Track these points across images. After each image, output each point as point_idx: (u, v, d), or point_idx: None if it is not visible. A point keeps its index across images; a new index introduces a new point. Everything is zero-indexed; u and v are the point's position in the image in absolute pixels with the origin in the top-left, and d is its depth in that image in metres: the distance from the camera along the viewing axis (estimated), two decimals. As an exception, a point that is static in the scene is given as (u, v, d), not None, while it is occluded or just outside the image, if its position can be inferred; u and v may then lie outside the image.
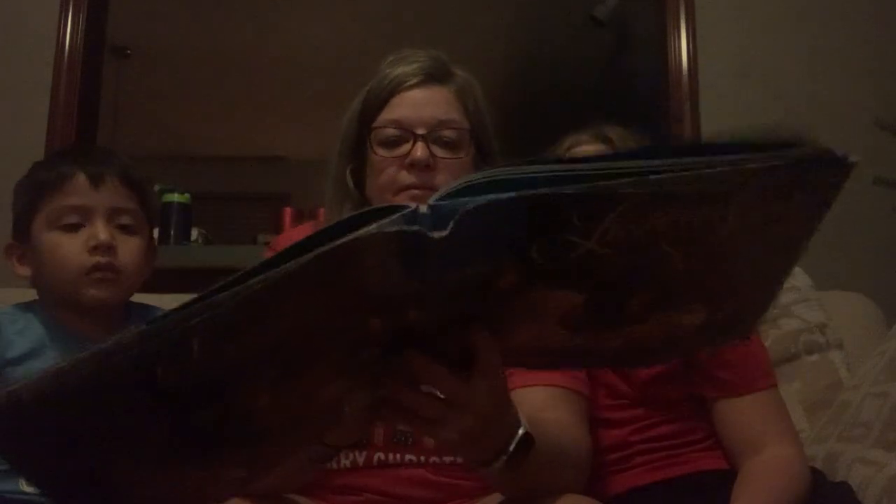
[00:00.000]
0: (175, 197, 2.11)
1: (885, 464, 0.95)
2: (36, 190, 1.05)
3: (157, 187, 2.10)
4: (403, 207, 0.46)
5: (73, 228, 1.01)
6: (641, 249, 0.50)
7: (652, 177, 0.45)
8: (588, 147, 1.09)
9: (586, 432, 0.89)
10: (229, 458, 0.53)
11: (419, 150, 0.96)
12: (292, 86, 4.12)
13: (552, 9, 3.41)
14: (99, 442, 0.47)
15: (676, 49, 2.05)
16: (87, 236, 1.00)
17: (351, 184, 1.03)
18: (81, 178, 1.02)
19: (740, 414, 0.97)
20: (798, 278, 1.41)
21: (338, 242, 0.43)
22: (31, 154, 1.90)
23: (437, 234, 0.45)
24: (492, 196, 0.45)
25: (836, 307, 1.41)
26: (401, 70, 1.00)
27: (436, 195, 0.47)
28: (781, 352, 1.31)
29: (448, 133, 0.98)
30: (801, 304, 1.37)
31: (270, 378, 0.49)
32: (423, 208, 0.46)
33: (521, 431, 0.68)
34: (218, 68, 4.01)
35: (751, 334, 0.65)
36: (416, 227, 0.44)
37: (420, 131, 0.97)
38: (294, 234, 1.15)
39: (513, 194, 0.45)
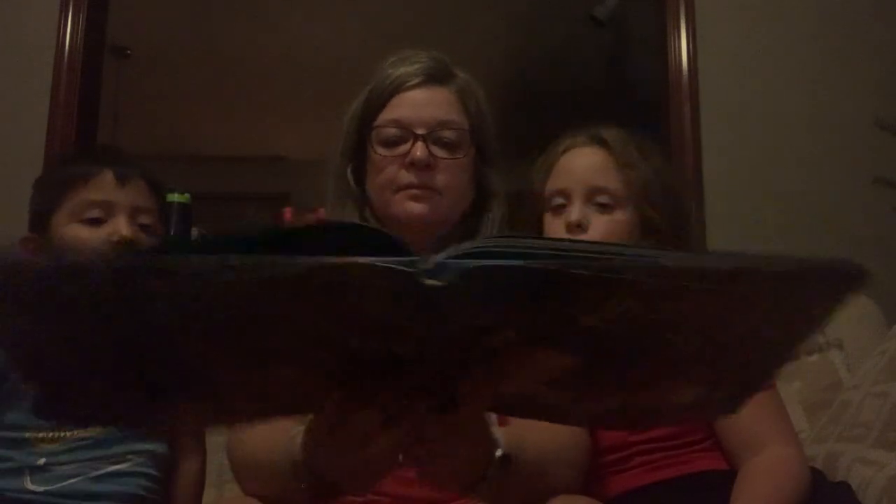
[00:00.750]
0: (175, 197, 2.11)
1: (885, 464, 0.95)
2: (61, 184, 1.07)
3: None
4: (404, 248, 0.46)
5: (96, 223, 1.04)
6: (644, 331, 0.49)
7: (662, 265, 0.45)
8: (584, 149, 1.08)
9: (584, 430, 0.89)
10: (176, 405, 0.55)
11: (419, 150, 0.96)
12: (292, 86, 4.12)
13: (552, 9, 3.41)
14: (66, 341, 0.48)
15: (676, 49, 2.05)
16: (110, 231, 1.03)
17: (352, 182, 1.04)
18: (108, 176, 1.06)
19: (739, 415, 0.97)
20: (798, 278, 1.41)
21: (327, 261, 0.43)
22: (31, 154, 1.91)
23: (430, 283, 0.44)
24: (496, 261, 0.45)
25: (836, 307, 1.41)
26: (402, 70, 1.01)
27: (444, 252, 0.47)
28: (781, 352, 1.31)
29: (448, 134, 0.98)
30: (801, 304, 1.37)
31: (236, 358, 0.50)
32: (428, 264, 0.46)
33: (498, 453, 0.68)
34: (218, 68, 4.01)
35: (741, 408, 0.65)
36: (411, 270, 0.44)
37: (420, 131, 0.97)
38: None
39: (519, 262, 0.45)
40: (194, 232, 2.41)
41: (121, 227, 1.03)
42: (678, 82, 2.03)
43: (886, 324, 1.40)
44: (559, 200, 1.05)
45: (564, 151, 1.09)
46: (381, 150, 0.99)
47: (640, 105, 2.38)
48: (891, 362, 1.10)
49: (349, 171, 1.04)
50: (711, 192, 1.97)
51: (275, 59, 3.92)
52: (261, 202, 4.94)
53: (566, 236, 1.02)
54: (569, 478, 0.83)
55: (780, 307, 0.50)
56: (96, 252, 0.43)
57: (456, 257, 0.46)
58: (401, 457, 0.62)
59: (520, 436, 0.74)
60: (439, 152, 0.97)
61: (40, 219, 1.07)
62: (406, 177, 0.97)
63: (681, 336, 0.50)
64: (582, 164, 1.07)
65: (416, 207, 0.97)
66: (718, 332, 0.51)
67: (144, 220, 1.07)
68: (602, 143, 1.07)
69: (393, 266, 0.44)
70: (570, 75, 3.92)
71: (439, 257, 0.46)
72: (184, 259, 0.43)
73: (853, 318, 1.41)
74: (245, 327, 0.47)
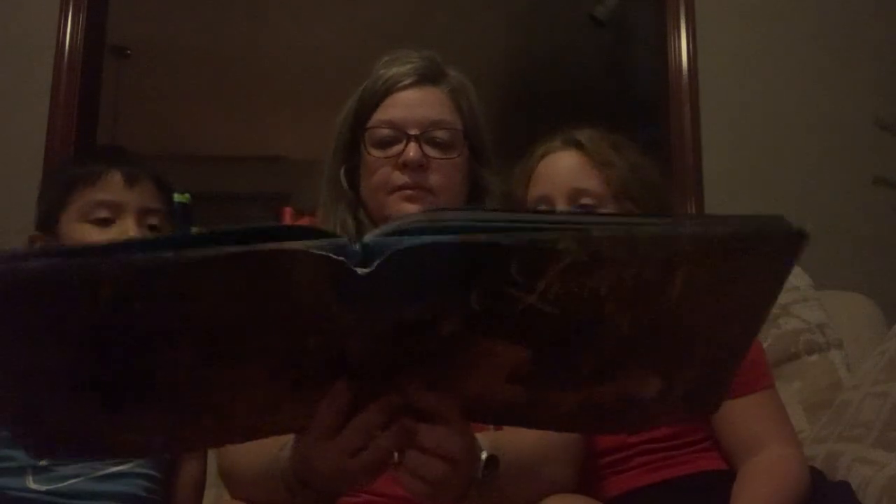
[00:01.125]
0: (175, 197, 2.11)
1: (885, 463, 0.95)
2: (69, 183, 1.07)
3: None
4: (338, 237, 0.46)
5: (104, 223, 1.04)
6: (586, 310, 0.49)
7: (589, 232, 0.45)
8: (560, 153, 1.09)
9: None
10: (130, 416, 0.53)
11: (412, 151, 0.96)
12: (292, 86, 4.12)
13: (552, 9, 3.41)
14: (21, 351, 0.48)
15: (676, 49, 2.05)
16: (118, 232, 1.03)
17: (345, 184, 1.04)
18: (117, 176, 1.06)
19: (738, 415, 0.97)
20: (798, 278, 1.41)
21: (258, 247, 0.43)
22: (31, 154, 1.91)
23: (361, 271, 0.44)
24: (424, 238, 0.45)
25: (836, 307, 1.41)
26: (394, 71, 1.01)
27: (373, 232, 0.47)
28: (781, 352, 1.31)
29: (441, 133, 0.98)
30: (801, 304, 1.37)
31: (191, 356, 0.49)
32: (356, 245, 0.46)
33: (483, 456, 0.68)
34: (218, 68, 4.01)
35: (716, 410, 0.63)
36: (342, 258, 0.44)
37: (413, 132, 0.97)
38: None
39: (445, 238, 0.45)
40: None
41: (129, 228, 1.03)
42: (678, 82, 2.03)
43: (886, 324, 1.40)
44: (543, 206, 1.06)
45: (542, 157, 1.11)
46: (374, 152, 0.99)
47: (640, 105, 2.38)
48: (891, 362, 1.10)
49: (342, 172, 1.04)
50: (711, 192, 1.97)
51: (275, 59, 3.91)
52: (261, 202, 4.94)
53: None
54: (564, 476, 0.83)
55: (716, 277, 0.49)
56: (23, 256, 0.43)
57: (383, 235, 0.46)
58: (394, 466, 0.62)
59: (498, 437, 0.74)
60: (432, 152, 0.97)
61: (48, 218, 1.07)
62: (399, 177, 0.97)
63: (624, 317, 0.50)
64: (561, 167, 1.08)
65: (411, 209, 0.97)
66: (661, 311, 0.50)
67: (153, 220, 1.07)
68: (577, 145, 1.08)
69: (322, 252, 0.44)
70: (570, 75, 3.92)
71: (367, 237, 0.46)
72: (93, 262, 0.43)
73: (853, 318, 1.42)
74: (189, 318, 0.47)
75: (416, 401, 0.57)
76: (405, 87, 1.00)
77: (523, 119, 3.92)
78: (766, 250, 0.49)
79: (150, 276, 0.44)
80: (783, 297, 1.37)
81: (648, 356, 0.54)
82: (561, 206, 1.05)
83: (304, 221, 1.10)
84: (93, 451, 0.59)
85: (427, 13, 3.46)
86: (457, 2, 3.43)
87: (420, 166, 0.96)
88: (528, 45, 3.78)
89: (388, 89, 1.00)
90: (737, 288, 0.51)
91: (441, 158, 0.98)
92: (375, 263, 0.44)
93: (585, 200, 1.04)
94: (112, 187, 1.05)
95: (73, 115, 1.98)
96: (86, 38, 2.03)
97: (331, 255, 0.44)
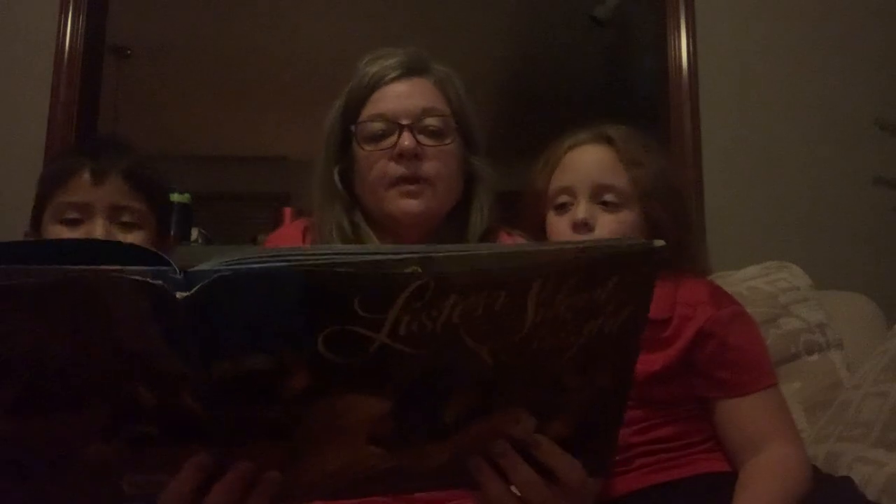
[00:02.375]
0: (175, 197, 2.11)
1: (885, 463, 0.95)
2: (44, 184, 1.07)
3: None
4: (165, 266, 0.43)
5: (74, 223, 1.03)
6: (443, 345, 0.47)
7: (431, 255, 0.43)
8: (589, 147, 1.07)
9: None
10: None
11: (406, 140, 0.96)
12: (293, 85, 4.12)
13: (552, 9, 3.41)
14: None
15: (676, 49, 2.05)
16: (85, 232, 1.02)
17: (339, 185, 1.03)
18: (84, 176, 1.04)
19: (741, 414, 0.97)
20: (798, 278, 1.41)
21: (70, 269, 0.40)
22: (31, 154, 1.91)
23: (180, 295, 0.41)
24: (251, 264, 0.41)
25: (836, 307, 1.41)
26: (380, 65, 1.02)
27: (204, 263, 0.43)
28: (781, 352, 1.31)
29: (432, 121, 0.98)
30: (801, 304, 1.37)
31: (8, 398, 0.45)
32: (180, 274, 0.42)
33: None
34: (218, 68, 4.01)
35: (607, 470, 0.61)
36: (159, 282, 0.41)
37: (405, 121, 0.97)
38: (288, 231, 1.15)
39: (274, 265, 0.41)
40: (194, 232, 2.41)
41: (97, 226, 1.02)
42: (678, 82, 2.03)
43: (886, 324, 1.40)
44: (564, 198, 1.04)
45: (569, 149, 1.08)
46: (367, 147, 0.99)
47: (640, 105, 2.38)
48: (891, 362, 1.10)
49: (336, 173, 1.04)
50: (711, 191, 1.97)
51: (275, 59, 3.91)
52: (261, 202, 4.94)
53: (571, 235, 1.02)
54: None
55: (570, 302, 0.47)
56: None
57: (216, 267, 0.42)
58: None
59: None
60: (426, 140, 0.98)
61: (35, 217, 1.07)
62: (396, 169, 0.97)
63: (483, 349, 0.47)
64: (588, 161, 1.05)
65: (411, 204, 0.97)
66: (516, 338, 0.48)
67: (126, 217, 1.04)
68: (608, 140, 1.06)
69: (139, 277, 0.40)
70: (570, 75, 3.92)
71: (198, 267, 0.42)
72: None
73: (853, 318, 1.42)
74: (8, 359, 0.43)
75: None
76: (393, 80, 1.00)
77: (523, 119, 3.92)
78: (619, 268, 0.47)
79: None
80: (783, 297, 1.37)
81: (515, 391, 0.51)
82: (582, 200, 1.02)
83: (304, 222, 1.10)
84: None
85: (428, 13, 3.46)
86: (457, 2, 3.43)
87: (416, 155, 0.96)
88: (528, 45, 3.78)
89: (376, 84, 1.00)
90: (596, 314, 0.49)
91: (435, 146, 0.98)
92: (196, 288, 0.41)
93: (608, 197, 1.02)
94: (79, 188, 1.04)
95: (73, 115, 1.98)
96: (86, 38, 2.03)
97: (147, 279, 0.41)
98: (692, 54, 2.03)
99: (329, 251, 0.44)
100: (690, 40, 2.04)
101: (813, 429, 1.21)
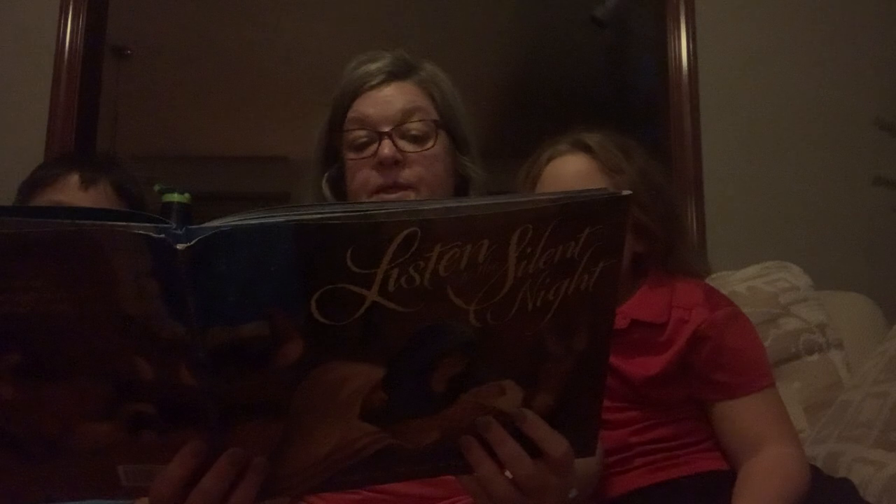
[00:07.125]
0: (175, 197, 2.11)
1: (885, 463, 0.95)
2: (31, 185, 1.09)
3: (157, 187, 2.10)
4: (167, 222, 0.44)
5: None
6: (431, 302, 0.48)
7: (417, 206, 0.45)
8: (568, 157, 1.07)
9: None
10: None
11: (385, 148, 0.95)
12: (293, 86, 4.12)
13: (552, 9, 3.41)
14: None
15: (676, 49, 2.05)
16: None
17: (328, 192, 1.03)
18: (74, 178, 1.07)
19: (739, 415, 0.97)
20: (798, 278, 1.41)
21: (73, 224, 0.42)
22: (31, 154, 1.91)
23: (181, 246, 0.42)
24: (249, 218, 0.43)
25: (836, 307, 1.41)
26: (363, 70, 1.01)
27: (205, 225, 0.44)
28: (781, 352, 1.31)
29: (413, 126, 0.97)
30: (801, 304, 1.37)
31: (11, 362, 0.47)
32: (181, 229, 0.44)
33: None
34: (218, 68, 4.00)
35: (591, 450, 0.61)
36: (162, 236, 0.42)
37: (384, 129, 0.96)
38: None
39: (271, 220, 0.43)
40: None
41: None
42: (678, 82, 2.03)
43: (886, 324, 1.40)
44: None
45: (549, 160, 1.08)
46: (351, 155, 0.99)
47: (640, 105, 2.38)
48: (891, 362, 1.10)
49: (325, 179, 1.03)
50: (711, 192, 1.97)
51: (275, 60, 3.91)
52: (261, 202, 4.94)
53: None
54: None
55: (549, 253, 0.49)
56: None
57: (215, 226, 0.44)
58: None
59: None
60: (407, 146, 0.96)
61: None
62: (377, 177, 0.96)
63: (467, 302, 0.49)
64: (569, 172, 1.05)
65: None
66: (499, 296, 0.49)
67: None
68: (586, 149, 1.06)
69: (142, 231, 0.42)
70: (571, 75, 3.92)
71: (199, 226, 0.44)
72: None
73: (853, 318, 1.42)
74: (8, 311, 0.44)
75: None
76: (374, 87, 1.00)
77: (523, 119, 3.92)
78: (591, 217, 0.50)
79: None
80: (783, 297, 1.37)
81: (501, 358, 0.53)
82: None
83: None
84: None
85: (427, 13, 3.46)
86: (457, 3, 3.43)
87: (396, 163, 0.95)
88: (529, 45, 3.78)
89: (357, 89, 1.00)
90: (571, 267, 0.51)
91: (417, 151, 0.97)
92: (196, 240, 0.43)
93: None
94: (67, 189, 1.06)
95: (72, 115, 1.99)
96: (86, 38, 2.03)
97: (150, 233, 0.42)
98: (692, 54, 2.04)
99: (322, 208, 0.46)
100: (690, 40, 2.04)
101: (813, 429, 1.21)
